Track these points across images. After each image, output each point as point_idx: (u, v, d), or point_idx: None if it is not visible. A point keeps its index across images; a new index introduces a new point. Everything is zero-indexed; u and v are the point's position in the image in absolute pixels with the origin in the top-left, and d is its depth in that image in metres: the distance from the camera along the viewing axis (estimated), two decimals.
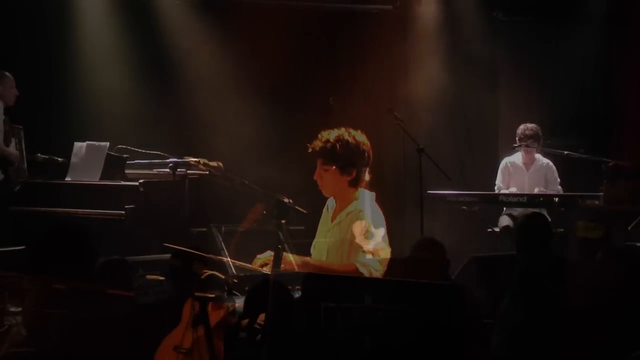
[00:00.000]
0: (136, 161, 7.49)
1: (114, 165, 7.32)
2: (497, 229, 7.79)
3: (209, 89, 8.73)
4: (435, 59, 9.16)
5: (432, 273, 3.95)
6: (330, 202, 4.80)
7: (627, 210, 6.94)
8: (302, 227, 5.32)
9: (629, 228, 6.96)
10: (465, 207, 7.68)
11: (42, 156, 7.77)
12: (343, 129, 4.63)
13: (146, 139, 7.80)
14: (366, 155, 4.62)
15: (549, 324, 4.07)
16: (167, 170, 6.94)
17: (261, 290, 3.86)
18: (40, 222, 6.82)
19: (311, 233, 4.91)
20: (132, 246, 6.48)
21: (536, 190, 7.83)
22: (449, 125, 9.21)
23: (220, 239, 6.44)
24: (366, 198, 4.66)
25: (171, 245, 4.27)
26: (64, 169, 7.48)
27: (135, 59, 8.60)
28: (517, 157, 8.09)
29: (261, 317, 4.03)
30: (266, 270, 4.36)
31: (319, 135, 4.65)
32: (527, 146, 7.91)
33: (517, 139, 7.98)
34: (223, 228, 6.04)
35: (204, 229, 6.53)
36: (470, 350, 3.50)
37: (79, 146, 7.46)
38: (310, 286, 3.50)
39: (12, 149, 7.54)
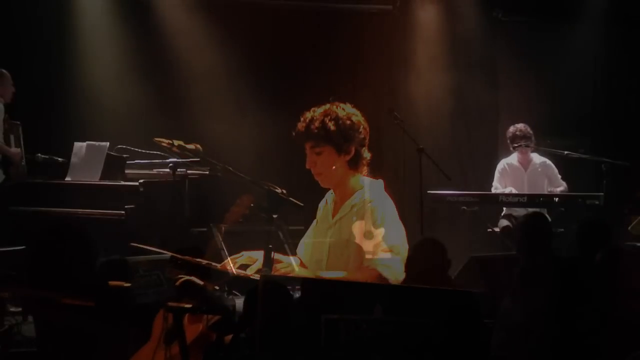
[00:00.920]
0: (136, 161, 7.49)
1: (114, 165, 7.31)
2: (497, 229, 7.79)
3: (209, 89, 8.72)
4: (435, 59, 9.16)
5: (432, 273, 3.89)
6: (330, 196, 4.11)
7: None
8: (302, 227, 5.19)
9: (629, 228, 6.97)
10: (465, 207, 7.68)
11: (42, 156, 7.77)
12: (328, 104, 3.97)
13: (146, 139, 7.79)
14: (361, 128, 3.92)
15: (548, 324, 4.07)
16: (167, 170, 6.94)
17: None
18: (40, 222, 6.82)
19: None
20: (132, 246, 6.47)
21: (548, 191, 7.83)
22: (449, 125, 9.21)
23: (221, 239, 6.43)
24: (374, 186, 3.98)
25: (138, 245, 3.83)
26: (64, 169, 7.48)
27: (135, 59, 8.59)
28: (514, 158, 8.10)
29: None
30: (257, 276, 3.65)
31: (302, 117, 3.95)
32: (526, 146, 7.90)
33: (508, 141, 7.99)
34: (223, 228, 6.02)
35: (204, 229, 6.52)
36: None
37: (79, 146, 7.46)
38: (308, 293, 2.94)
39: (12, 147, 7.55)
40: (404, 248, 3.85)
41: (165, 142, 3.67)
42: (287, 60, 8.87)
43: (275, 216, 3.42)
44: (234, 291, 6.47)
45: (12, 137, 7.59)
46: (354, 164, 3.93)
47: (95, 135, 7.66)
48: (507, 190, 7.83)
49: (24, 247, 6.14)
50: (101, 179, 7.23)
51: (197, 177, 7.11)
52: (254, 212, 3.63)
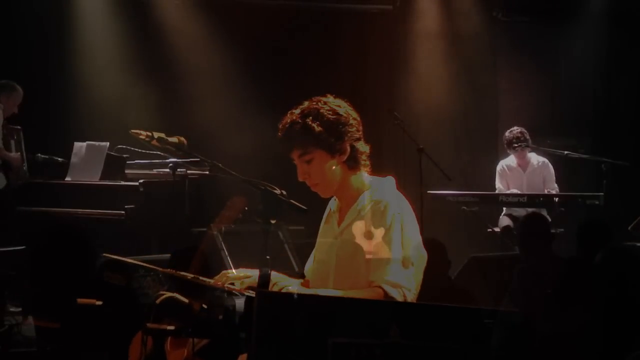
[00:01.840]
0: (136, 161, 7.49)
1: (114, 165, 7.32)
2: (497, 229, 7.79)
3: (209, 89, 8.72)
4: (435, 58, 9.17)
5: (433, 274, 3.88)
6: (333, 204, 3.45)
7: None
8: (302, 227, 5.13)
9: (629, 228, 6.96)
10: (465, 207, 7.69)
11: (42, 156, 7.76)
12: (306, 102, 3.32)
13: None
14: (351, 120, 3.28)
15: (548, 324, 4.07)
16: (167, 170, 6.93)
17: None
18: (40, 222, 6.82)
19: (314, 232, 3.59)
20: (132, 246, 6.48)
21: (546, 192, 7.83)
22: (449, 125, 9.21)
23: (221, 239, 6.44)
24: (384, 185, 3.41)
25: (110, 256, 3.22)
26: (64, 169, 7.48)
27: (136, 59, 8.59)
28: (512, 160, 8.08)
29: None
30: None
31: (280, 124, 3.34)
32: (525, 146, 7.88)
33: (505, 145, 7.98)
34: (223, 228, 6.02)
35: (204, 229, 6.52)
36: None
37: (79, 146, 7.46)
38: (313, 310, 2.49)
39: (12, 152, 7.53)
40: (421, 260, 3.29)
41: (143, 134, 3.07)
42: (287, 60, 8.87)
43: (273, 222, 2.91)
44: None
45: (12, 142, 7.58)
46: (353, 162, 3.31)
47: (95, 135, 7.66)
48: (510, 191, 7.83)
49: (24, 247, 6.14)
50: (101, 179, 7.23)
51: (197, 177, 7.10)
52: (248, 216, 3.21)
